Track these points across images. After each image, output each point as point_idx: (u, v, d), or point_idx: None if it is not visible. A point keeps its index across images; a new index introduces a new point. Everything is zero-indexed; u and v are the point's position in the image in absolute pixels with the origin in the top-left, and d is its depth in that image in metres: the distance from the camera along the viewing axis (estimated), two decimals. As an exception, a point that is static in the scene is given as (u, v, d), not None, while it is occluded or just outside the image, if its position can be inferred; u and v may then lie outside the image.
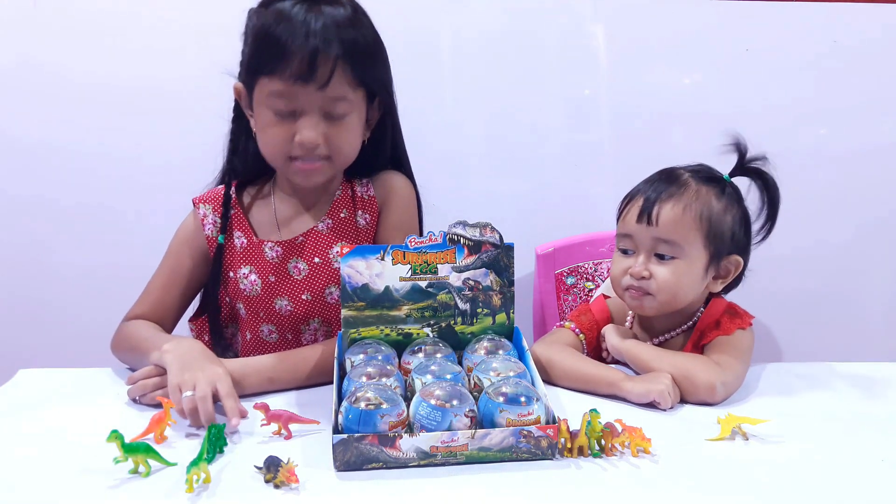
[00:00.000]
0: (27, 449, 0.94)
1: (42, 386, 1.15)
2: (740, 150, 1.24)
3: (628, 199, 1.23)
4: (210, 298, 1.29)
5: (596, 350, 1.29)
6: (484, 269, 1.11)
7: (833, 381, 1.17)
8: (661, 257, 1.19)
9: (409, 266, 1.09)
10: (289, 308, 1.25)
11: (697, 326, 1.23)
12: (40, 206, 1.79)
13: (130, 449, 0.86)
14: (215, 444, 0.93)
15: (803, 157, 1.85)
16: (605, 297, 1.35)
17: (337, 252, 1.25)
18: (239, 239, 1.27)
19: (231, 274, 1.26)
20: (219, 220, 1.27)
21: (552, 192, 1.83)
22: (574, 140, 1.82)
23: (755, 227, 1.25)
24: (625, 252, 1.23)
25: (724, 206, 1.20)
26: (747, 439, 0.96)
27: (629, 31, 1.79)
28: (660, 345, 1.25)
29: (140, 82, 1.73)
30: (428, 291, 1.11)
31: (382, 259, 1.09)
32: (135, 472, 0.87)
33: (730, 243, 1.21)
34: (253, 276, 1.25)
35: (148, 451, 0.87)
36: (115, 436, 0.86)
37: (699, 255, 1.19)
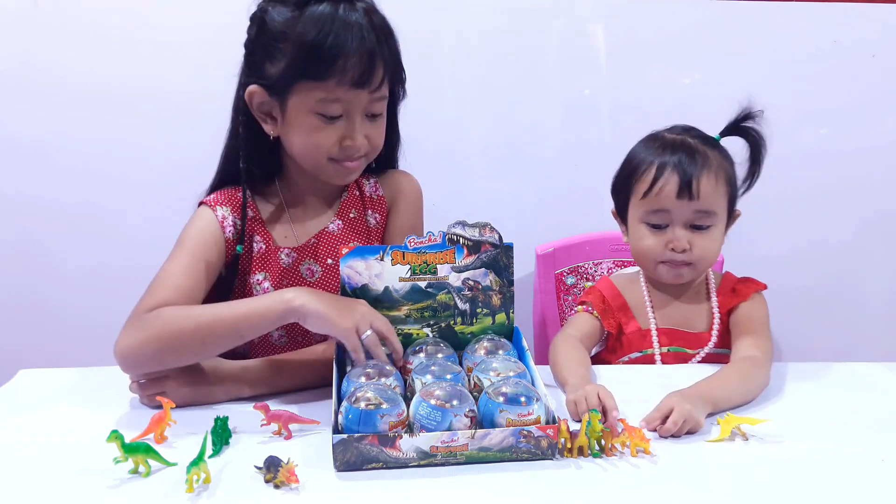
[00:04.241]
0: (27, 449, 0.94)
1: (42, 386, 1.15)
2: (750, 114, 1.26)
3: (654, 175, 1.22)
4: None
5: (618, 331, 1.30)
6: (483, 269, 1.11)
7: (833, 381, 1.17)
8: (698, 228, 1.22)
9: (408, 266, 1.09)
10: None
11: (720, 293, 1.29)
12: (40, 206, 1.79)
13: (130, 449, 0.86)
14: (221, 435, 0.93)
15: (803, 157, 1.85)
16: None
17: None
18: (258, 244, 1.24)
19: (247, 279, 1.24)
20: (238, 223, 1.22)
21: (552, 192, 1.83)
22: (574, 140, 1.82)
23: (741, 177, 1.29)
24: (656, 226, 1.24)
25: (732, 167, 1.26)
26: (747, 440, 0.96)
27: (629, 31, 1.79)
28: (686, 317, 1.28)
29: (140, 82, 1.73)
30: (427, 292, 1.11)
31: (382, 259, 1.09)
32: (135, 472, 0.87)
33: (736, 199, 1.28)
34: (266, 284, 1.23)
35: (148, 451, 0.87)
36: (115, 436, 0.86)
37: (724, 218, 1.26)
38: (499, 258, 1.12)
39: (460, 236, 1.10)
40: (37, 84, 1.73)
